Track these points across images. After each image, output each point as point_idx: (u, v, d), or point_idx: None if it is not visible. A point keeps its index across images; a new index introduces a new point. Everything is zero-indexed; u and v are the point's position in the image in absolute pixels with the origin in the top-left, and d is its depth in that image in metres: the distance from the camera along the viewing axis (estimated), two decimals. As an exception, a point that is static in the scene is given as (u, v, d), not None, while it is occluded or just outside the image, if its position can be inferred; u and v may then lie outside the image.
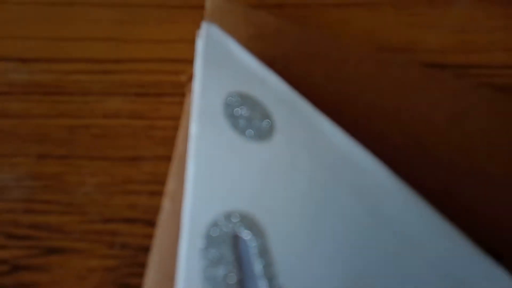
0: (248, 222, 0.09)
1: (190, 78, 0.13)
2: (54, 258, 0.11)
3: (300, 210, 0.09)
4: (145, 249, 0.11)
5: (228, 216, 0.09)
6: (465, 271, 0.09)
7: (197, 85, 0.11)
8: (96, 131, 0.13)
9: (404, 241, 0.09)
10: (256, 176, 0.09)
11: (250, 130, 0.10)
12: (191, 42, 0.14)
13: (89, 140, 0.13)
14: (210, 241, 0.09)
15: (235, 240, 0.09)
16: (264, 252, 0.08)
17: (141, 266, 0.11)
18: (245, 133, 0.10)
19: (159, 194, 0.12)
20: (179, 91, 0.14)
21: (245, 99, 0.11)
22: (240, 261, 0.08)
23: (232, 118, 0.10)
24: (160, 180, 0.12)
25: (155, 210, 0.12)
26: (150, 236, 0.11)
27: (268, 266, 0.08)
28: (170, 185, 0.11)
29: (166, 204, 0.11)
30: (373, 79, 0.13)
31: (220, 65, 0.12)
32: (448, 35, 0.16)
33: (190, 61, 0.13)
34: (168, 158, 0.13)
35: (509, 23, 0.16)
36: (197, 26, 0.13)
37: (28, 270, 0.11)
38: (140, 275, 0.11)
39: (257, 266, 0.08)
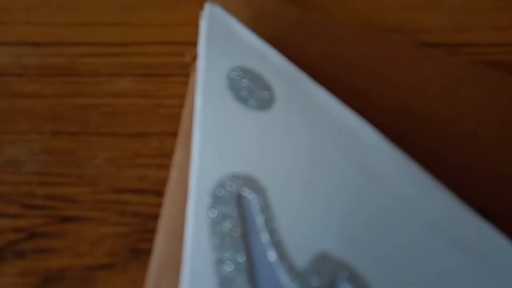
0: (250, 182, 0.09)
1: (194, 58, 0.14)
2: (69, 226, 0.12)
3: (298, 171, 0.10)
4: (155, 217, 0.12)
5: (232, 178, 0.10)
6: (454, 226, 0.09)
7: (201, 61, 0.12)
8: (106, 109, 0.14)
9: (395, 198, 0.09)
10: (257, 142, 0.10)
11: (251, 101, 0.11)
12: (194, 25, 0.14)
13: (99, 118, 0.14)
14: (216, 200, 0.09)
15: (239, 199, 0.09)
16: (265, 208, 0.09)
17: (151, 232, 0.12)
18: (247, 103, 0.11)
19: (166, 167, 0.13)
20: (184, 71, 0.15)
21: (246, 73, 0.11)
22: (243, 217, 0.09)
23: (235, 90, 0.11)
24: (167, 154, 0.13)
25: (163, 181, 0.12)
26: (159, 205, 0.12)
27: (269, 220, 0.09)
28: (177, 157, 0.12)
29: (174, 173, 0.12)
30: (367, 57, 0.14)
31: (223, 42, 0.12)
32: (442, 16, 0.16)
33: (193, 43, 0.14)
34: (174, 134, 0.13)
35: (500, 3, 0.17)
36: (199, 11, 0.14)
37: (45, 237, 0.12)
38: (150, 240, 0.11)
39: (259, 221, 0.09)
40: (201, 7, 0.14)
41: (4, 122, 0.14)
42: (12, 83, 0.15)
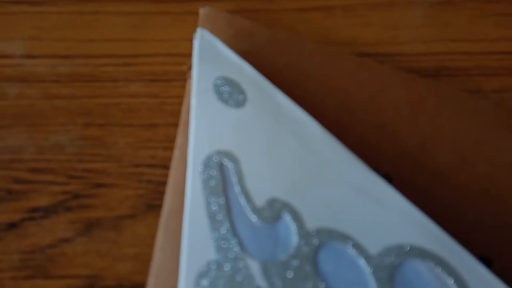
0: (229, 155, 0.15)
1: (189, 68, 0.19)
2: (102, 190, 0.17)
3: (262, 147, 0.15)
4: (163, 183, 0.17)
5: (217, 153, 0.15)
6: (365, 181, 0.14)
7: (194, 72, 0.17)
8: (124, 107, 0.19)
9: (325, 165, 0.15)
10: (234, 129, 0.15)
11: (231, 101, 0.16)
12: (189, 40, 0.19)
13: (119, 113, 0.19)
14: (206, 166, 0.14)
15: (221, 166, 0.15)
16: (238, 172, 0.14)
17: (161, 193, 0.17)
18: (227, 103, 0.16)
19: (171, 148, 0.18)
20: (182, 78, 0.20)
21: (227, 81, 0.16)
22: (224, 177, 0.14)
23: (219, 93, 0.16)
24: (171, 139, 0.18)
25: (169, 158, 0.17)
26: (166, 175, 0.17)
27: (240, 179, 0.14)
28: (178, 141, 0.17)
29: (176, 153, 0.17)
30: (319, 67, 0.19)
31: (210, 58, 0.17)
32: (381, 31, 0.22)
33: (189, 55, 0.18)
34: (176, 124, 0.18)
35: (429, 21, 0.22)
36: (194, 29, 0.19)
37: (85, 197, 0.17)
38: (161, 198, 0.16)
39: (234, 179, 0.14)
40: (194, 25, 0.20)
41: (48, 117, 0.19)
42: (51, 87, 0.20)
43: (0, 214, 0.16)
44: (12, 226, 0.16)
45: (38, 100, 0.19)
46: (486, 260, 0.14)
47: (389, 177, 0.16)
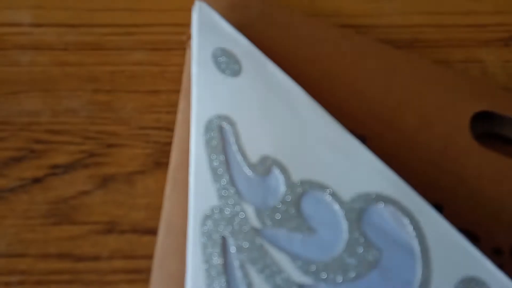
0: (227, 119, 0.17)
1: (189, 37, 0.21)
2: (114, 149, 0.19)
3: (255, 111, 0.17)
4: (168, 143, 0.19)
5: (216, 116, 0.17)
6: (343, 145, 0.17)
7: (194, 43, 0.19)
8: (129, 74, 0.21)
9: (308, 127, 0.17)
10: (230, 95, 0.18)
11: (227, 71, 0.18)
12: (188, 10, 0.19)
13: (125, 80, 0.21)
14: (207, 128, 0.17)
15: (220, 128, 0.17)
16: (235, 133, 0.17)
17: (167, 152, 0.19)
18: (225, 72, 0.18)
19: (173, 112, 0.20)
20: (182, 47, 0.22)
21: (224, 52, 0.19)
22: (223, 138, 0.17)
23: (217, 63, 0.18)
24: (173, 104, 0.20)
25: (172, 122, 0.20)
26: (170, 136, 0.19)
27: (237, 139, 0.17)
28: (180, 105, 0.20)
29: (179, 116, 0.19)
30: (306, 38, 0.21)
31: (208, 30, 0.19)
32: (364, 4, 0.24)
33: (188, 25, 0.19)
34: (177, 91, 0.20)
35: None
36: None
37: (99, 156, 0.19)
38: (167, 157, 0.19)
39: (231, 140, 0.17)
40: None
41: (59, 83, 0.21)
42: (60, 55, 0.21)
43: (25, 170, 0.19)
44: (36, 180, 0.19)
45: (49, 67, 0.21)
46: (438, 207, 0.17)
47: (363, 138, 0.19)
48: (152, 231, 0.18)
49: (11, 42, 0.22)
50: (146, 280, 0.17)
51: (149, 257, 0.17)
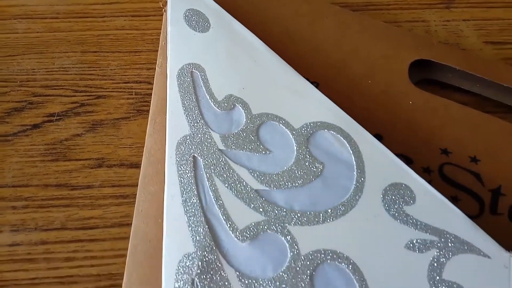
0: (197, 66, 0.21)
1: (164, 4, 0.24)
2: (101, 100, 0.23)
3: (222, 60, 0.21)
4: (149, 94, 0.23)
5: (188, 64, 0.21)
6: (296, 87, 0.21)
7: (168, 6, 0.23)
8: (113, 37, 0.25)
9: (267, 73, 0.21)
10: (201, 48, 0.21)
11: (198, 27, 0.22)
12: None
13: (109, 42, 0.25)
14: (180, 74, 0.21)
15: (192, 73, 0.21)
16: (204, 78, 0.21)
17: (148, 101, 0.23)
18: (195, 29, 0.22)
19: (153, 69, 0.24)
20: (159, 13, 0.25)
21: (195, 13, 0.22)
22: (194, 81, 0.21)
23: (188, 22, 0.22)
24: (152, 62, 0.24)
25: (152, 75, 0.23)
26: (150, 88, 0.23)
27: (205, 83, 0.20)
28: (158, 61, 0.23)
29: (157, 70, 0.23)
30: (270, 1, 0.25)
31: (181, -5, 0.23)
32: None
33: None
34: (155, 50, 0.24)
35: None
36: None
37: (89, 105, 0.23)
38: (148, 105, 0.23)
39: (200, 83, 0.20)
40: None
41: (51, 46, 0.24)
42: (51, 23, 0.25)
43: (26, 118, 0.22)
44: (36, 126, 0.22)
45: (43, 33, 0.24)
46: (379, 136, 0.21)
47: (316, 83, 0.22)
48: (136, 165, 0.21)
49: (8, 13, 0.25)
50: (132, 204, 0.20)
51: (134, 185, 0.20)
